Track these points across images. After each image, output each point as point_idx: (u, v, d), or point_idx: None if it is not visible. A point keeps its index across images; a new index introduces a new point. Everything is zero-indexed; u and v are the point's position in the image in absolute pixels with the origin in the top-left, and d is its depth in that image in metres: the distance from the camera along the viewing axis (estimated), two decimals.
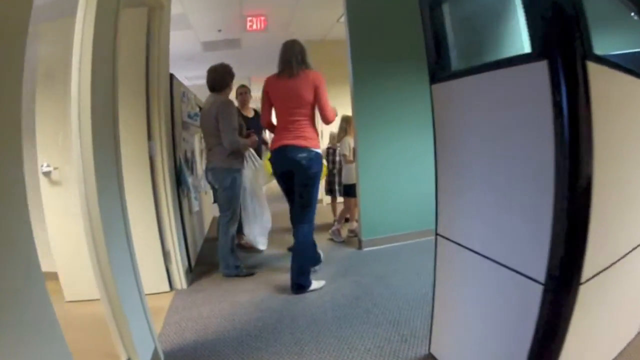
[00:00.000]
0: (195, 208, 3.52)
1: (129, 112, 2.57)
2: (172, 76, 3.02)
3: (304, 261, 2.78)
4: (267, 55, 6.66)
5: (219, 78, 3.05)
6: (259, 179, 3.67)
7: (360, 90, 3.53)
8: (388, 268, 3.15)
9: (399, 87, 3.67)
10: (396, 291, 2.67)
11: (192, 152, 3.82)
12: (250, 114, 4.06)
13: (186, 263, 3.12)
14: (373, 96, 3.59)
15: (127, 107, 2.53)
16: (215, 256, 3.34)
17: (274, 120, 2.85)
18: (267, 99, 2.78)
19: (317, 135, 2.80)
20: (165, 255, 2.85)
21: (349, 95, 3.65)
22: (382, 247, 3.71)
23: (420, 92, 3.63)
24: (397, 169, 3.74)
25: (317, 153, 2.71)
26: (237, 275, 3.14)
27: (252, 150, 3.46)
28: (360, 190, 3.65)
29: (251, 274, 3.17)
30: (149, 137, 2.72)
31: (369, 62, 3.55)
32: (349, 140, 4.00)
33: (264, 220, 3.75)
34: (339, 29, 5.38)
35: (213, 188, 3.22)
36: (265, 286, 2.94)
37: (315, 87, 2.63)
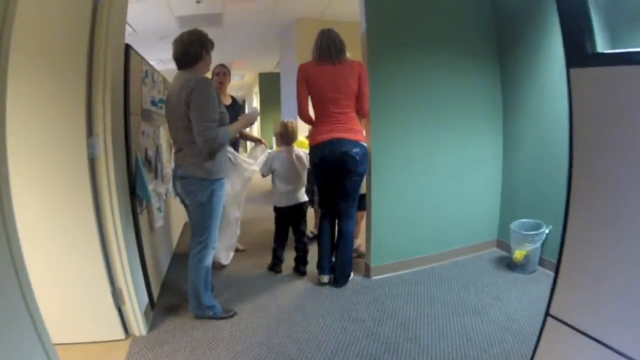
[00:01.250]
0: (159, 223, 2.74)
1: (60, 96, 1.86)
2: (128, 48, 2.25)
3: (350, 254, 2.86)
4: (252, 36, 5.90)
5: (190, 47, 2.14)
6: (235, 181, 3.06)
7: (376, 81, 2.79)
8: (410, 309, 2.47)
9: (425, 80, 2.98)
10: (431, 351, 1.97)
11: (158, 149, 3.04)
12: (228, 101, 3.34)
13: (146, 299, 2.39)
14: (392, 89, 2.88)
15: (56, 89, 1.85)
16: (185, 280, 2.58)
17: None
18: (305, 88, 2.58)
19: (362, 128, 2.69)
20: (116, 293, 2.09)
21: None
22: (394, 274, 3.03)
23: (452, 86, 3.01)
24: (417, 179, 3.06)
25: (365, 147, 2.66)
26: (213, 318, 2.39)
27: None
28: (372, 204, 2.93)
29: (230, 316, 2.43)
30: (90, 131, 1.94)
31: (389, 49, 2.84)
32: None
33: (229, 231, 3.19)
34: (338, 6, 4.67)
35: (182, 202, 2.35)
36: (248, 333, 2.24)
37: (359, 76, 2.54)
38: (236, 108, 3.41)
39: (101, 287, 2.07)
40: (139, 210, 2.38)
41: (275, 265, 3.14)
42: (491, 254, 3.23)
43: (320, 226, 2.90)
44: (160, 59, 6.71)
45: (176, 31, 5.36)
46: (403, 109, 2.92)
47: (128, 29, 4.65)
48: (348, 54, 2.60)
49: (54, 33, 1.84)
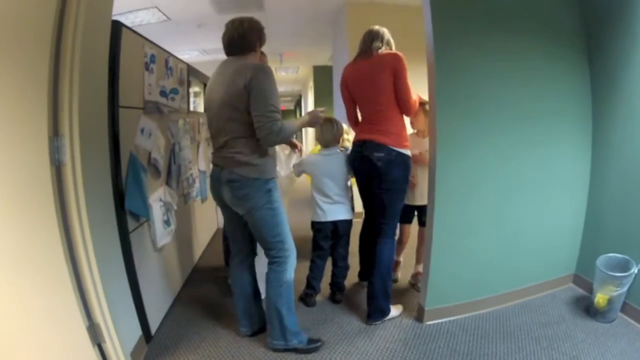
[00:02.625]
0: (163, 240, 2.29)
1: (16, 88, 1.42)
2: (118, 26, 1.80)
3: (385, 283, 2.34)
4: (299, 22, 5.33)
5: (249, 34, 1.88)
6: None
7: (443, 79, 2.16)
8: None
9: (501, 79, 2.31)
10: None
11: (174, 149, 2.60)
12: None
13: (136, 333, 1.97)
14: (461, 90, 2.22)
15: (10, 79, 1.41)
16: (206, 303, 2.33)
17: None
18: (346, 91, 2.44)
19: (402, 129, 2.31)
20: (93, 329, 1.66)
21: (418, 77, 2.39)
22: (453, 318, 2.38)
23: (532, 87, 2.41)
24: (489, 202, 2.39)
25: (399, 153, 2.24)
26: (297, 350, 2.04)
27: None
28: (433, 234, 2.29)
29: (317, 348, 2.09)
30: (55, 130, 1.49)
31: (457, 38, 2.19)
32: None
33: None
34: None
35: (229, 213, 1.99)
36: None
37: (393, 69, 2.20)
38: None
39: (75, 322, 1.63)
40: (131, 227, 1.94)
41: (307, 296, 2.61)
42: (567, 292, 2.63)
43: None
44: (204, 49, 6.38)
45: (214, 17, 5.00)
46: (474, 116, 2.26)
47: (160, 15, 4.31)
48: (384, 48, 2.28)
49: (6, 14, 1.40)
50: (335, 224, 2.52)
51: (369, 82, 2.26)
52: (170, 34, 4.86)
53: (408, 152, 2.29)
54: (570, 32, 2.48)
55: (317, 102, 9.21)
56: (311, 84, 9.91)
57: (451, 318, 2.37)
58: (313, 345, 2.05)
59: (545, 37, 2.39)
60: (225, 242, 2.81)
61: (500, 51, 2.27)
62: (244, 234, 2.05)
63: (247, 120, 1.77)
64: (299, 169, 2.57)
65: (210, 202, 3.96)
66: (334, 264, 2.63)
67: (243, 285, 2.13)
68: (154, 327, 2.19)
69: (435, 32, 2.11)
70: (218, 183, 1.89)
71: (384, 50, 2.27)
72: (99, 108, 1.68)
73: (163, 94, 2.29)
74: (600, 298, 2.24)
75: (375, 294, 2.34)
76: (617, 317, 2.27)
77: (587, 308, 2.37)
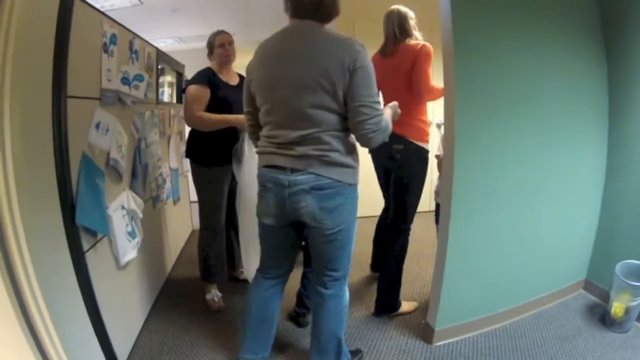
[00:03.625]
0: (128, 255, 1.95)
1: None
2: None
3: (394, 278, 2.36)
4: (280, 9, 4.94)
5: None
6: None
7: (462, 75, 1.88)
8: None
9: (520, 76, 2.06)
10: None
11: (139, 145, 2.25)
12: (235, 81, 2.48)
13: None
14: (479, 87, 1.95)
15: None
16: (182, 324, 2.13)
17: None
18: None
19: (423, 123, 2.23)
20: None
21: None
22: (464, 337, 2.18)
23: (551, 86, 2.16)
24: (507, 211, 2.17)
25: (418, 147, 2.19)
26: None
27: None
28: (447, 243, 2.02)
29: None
30: None
31: (484, 22, 1.92)
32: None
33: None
34: None
35: (278, 230, 1.64)
36: None
37: (414, 59, 2.16)
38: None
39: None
40: (87, 244, 1.59)
41: (300, 316, 2.34)
42: (579, 300, 2.52)
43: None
44: (180, 37, 5.91)
45: (191, 1, 4.67)
46: (497, 117, 2.02)
47: None
48: (416, 35, 2.24)
49: None
50: None
51: (392, 75, 2.22)
52: (143, 20, 4.39)
53: (427, 146, 2.25)
54: (588, 30, 2.28)
55: None
56: None
57: (462, 337, 2.18)
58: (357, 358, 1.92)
59: (566, 33, 2.18)
60: (204, 254, 2.48)
61: (523, 46, 2.03)
62: (291, 252, 1.76)
63: (340, 110, 1.43)
64: None
65: (184, 203, 3.61)
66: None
67: (270, 310, 1.78)
68: (123, 355, 1.87)
69: (454, 21, 1.82)
70: (285, 190, 1.48)
71: (410, 41, 2.21)
72: (40, 99, 1.32)
73: (125, 81, 1.93)
74: (617, 307, 2.15)
75: (383, 287, 2.37)
76: (633, 326, 2.19)
77: (602, 317, 2.28)
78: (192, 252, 3.36)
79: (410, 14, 2.25)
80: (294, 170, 1.46)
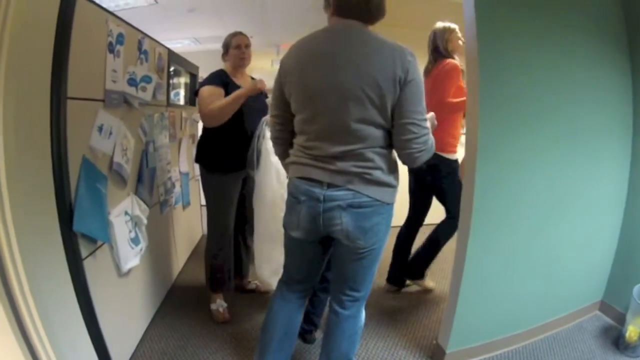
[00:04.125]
0: (130, 263, 1.89)
1: None
2: None
3: (434, 250, 2.69)
4: (299, 9, 4.91)
5: None
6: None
7: (490, 73, 1.77)
8: None
9: (564, 78, 1.97)
10: None
11: (147, 150, 2.21)
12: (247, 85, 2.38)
13: None
14: (512, 89, 1.85)
15: None
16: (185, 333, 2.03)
17: None
18: None
19: (447, 135, 2.33)
20: None
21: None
22: (484, 357, 2.09)
23: (579, 98, 2.05)
24: (530, 228, 2.07)
25: (443, 158, 2.35)
26: None
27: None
28: (464, 264, 1.92)
29: None
30: None
31: (510, 27, 1.82)
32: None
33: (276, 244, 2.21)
34: None
35: (308, 245, 1.54)
36: None
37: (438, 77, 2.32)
38: (261, 96, 2.49)
39: None
40: (86, 251, 1.54)
41: (307, 333, 2.21)
42: (593, 322, 2.43)
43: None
44: (196, 37, 5.91)
45: (207, 1, 4.64)
46: (522, 128, 1.91)
47: None
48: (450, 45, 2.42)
49: None
50: None
51: (430, 94, 2.09)
52: (158, 20, 4.42)
53: (453, 157, 2.41)
54: (613, 39, 2.15)
55: None
56: None
57: (480, 358, 2.06)
58: None
59: (590, 42, 2.06)
60: (210, 263, 2.42)
61: (547, 55, 1.91)
62: (318, 267, 1.65)
63: (387, 125, 1.33)
64: None
65: (194, 208, 3.56)
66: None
67: (294, 324, 1.69)
68: None
69: (479, 29, 1.72)
70: (320, 205, 1.37)
71: (439, 61, 2.39)
72: (37, 100, 1.27)
73: (132, 82, 1.88)
74: (632, 331, 2.08)
75: (421, 254, 2.70)
76: None
77: (615, 341, 2.21)
78: (201, 257, 3.27)
79: (448, 29, 2.39)
80: (330, 185, 1.35)
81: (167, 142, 2.66)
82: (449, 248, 2.55)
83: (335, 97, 1.29)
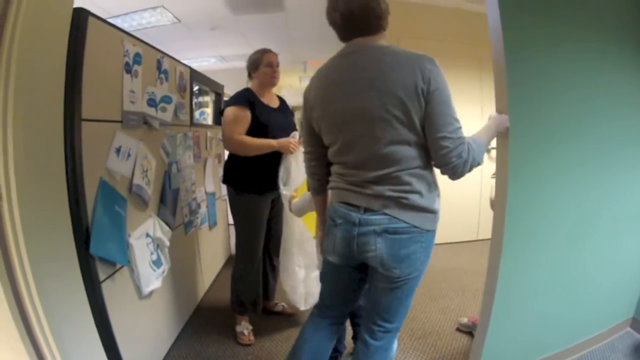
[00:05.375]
0: (151, 286, 1.87)
1: None
2: (84, 14, 1.41)
3: None
4: (323, 25, 4.87)
5: (372, 2, 1.26)
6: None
7: (518, 84, 1.66)
8: None
9: (593, 84, 1.86)
10: None
11: (170, 172, 2.21)
12: (275, 104, 2.38)
13: None
14: (541, 95, 1.74)
15: None
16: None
17: None
18: None
19: None
20: None
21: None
22: None
23: (620, 95, 1.95)
24: (561, 246, 1.96)
25: None
26: None
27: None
28: (496, 288, 1.80)
29: None
30: None
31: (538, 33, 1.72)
32: None
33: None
34: None
35: (342, 270, 1.50)
36: None
37: None
38: (287, 113, 2.47)
39: None
40: (104, 274, 1.52)
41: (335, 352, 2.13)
42: (625, 340, 2.33)
43: None
44: (222, 56, 6.02)
45: (229, 18, 4.61)
46: (552, 139, 1.81)
47: (170, 17, 3.98)
48: None
49: None
50: None
51: None
52: (181, 38, 4.54)
53: None
54: (633, 43, 1.99)
55: None
56: None
57: None
58: None
59: (616, 45, 1.93)
60: (236, 287, 2.39)
61: (574, 58, 1.80)
62: (354, 295, 1.59)
63: (421, 141, 1.26)
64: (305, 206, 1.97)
65: (221, 228, 3.55)
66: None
67: (324, 351, 1.61)
68: None
69: (505, 34, 1.62)
70: (355, 229, 1.32)
71: None
72: (51, 122, 1.27)
73: (152, 103, 1.89)
74: None
75: None
76: None
77: None
78: (227, 277, 3.26)
79: None
80: (367, 210, 1.30)
81: (192, 162, 2.66)
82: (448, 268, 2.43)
83: (361, 124, 1.25)
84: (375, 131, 1.23)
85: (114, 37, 1.64)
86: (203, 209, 2.97)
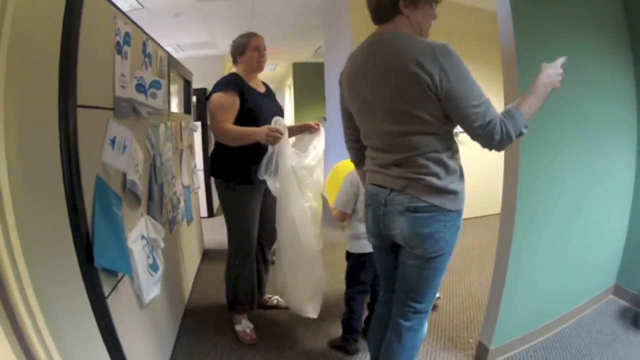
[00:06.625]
0: (151, 293, 1.62)
1: None
2: None
3: None
4: (288, 14, 4.66)
5: None
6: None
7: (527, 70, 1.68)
8: None
9: (580, 71, 1.91)
10: None
11: (154, 165, 1.93)
12: (262, 89, 2.19)
13: None
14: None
15: None
16: None
17: None
18: None
19: None
20: None
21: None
22: (516, 352, 2.03)
23: (603, 81, 2.08)
24: (559, 221, 2.07)
25: None
26: None
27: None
28: (509, 261, 1.84)
29: None
30: None
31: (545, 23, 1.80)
32: None
33: (313, 269, 2.03)
34: None
35: (384, 251, 1.51)
36: None
37: None
38: (274, 98, 2.27)
39: None
40: (108, 287, 1.27)
41: (349, 342, 2.03)
42: (610, 305, 2.47)
43: None
44: (179, 44, 5.58)
45: (193, 5, 4.27)
46: (557, 118, 1.89)
47: (133, 2, 3.58)
48: None
49: None
50: None
51: None
52: (143, 25, 4.12)
53: None
54: (615, 34, 2.17)
55: (297, 101, 8.58)
56: (290, 82, 9.20)
57: (515, 352, 2.03)
58: None
59: (597, 39, 2.07)
60: (233, 284, 2.17)
61: (570, 49, 1.84)
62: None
63: (435, 129, 1.24)
64: (350, 199, 1.92)
65: (196, 222, 3.28)
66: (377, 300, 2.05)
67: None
68: None
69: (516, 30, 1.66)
70: (382, 209, 1.36)
71: None
72: (45, 108, 1.00)
73: (140, 88, 1.61)
74: None
75: None
76: None
77: (634, 320, 2.27)
78: (207, 275, 3.04)
79: None
80: (393, 190, 1.33)
81: (171, 154, 2.38)
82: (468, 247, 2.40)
83: (380, 113, 1.29)
84: (390, 121, 1.27)
85: (107, 12, 1.35)
86: (182, 204, 2.70)
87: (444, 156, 1.27)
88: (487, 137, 1.17)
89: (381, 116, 1.29)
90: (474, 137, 1.20)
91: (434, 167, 1.25)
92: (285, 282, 2.01)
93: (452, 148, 1.30)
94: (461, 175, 1.32)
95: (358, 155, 1.56)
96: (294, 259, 1.97)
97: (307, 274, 1.98)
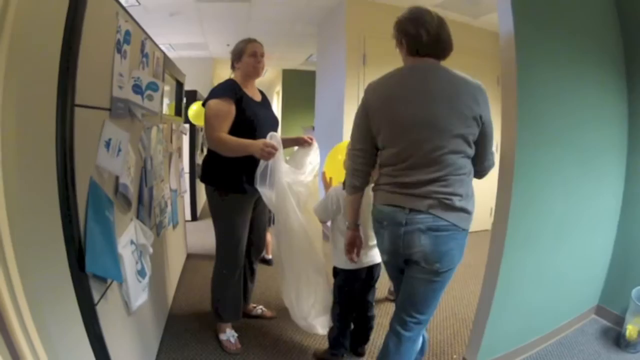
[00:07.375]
0: (140, 299, 1.55)
1: None
2: None
3: None
4: (284, 21, 4.59)
5: (443, 32, 1.41)
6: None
7: (527, 91, 1.75)
8: None
9: (580, 98, 2.03)
10: None
11: (145, 168, 1.86)
12: (258, 97, 2.13)
13: None
14: (543, 107, 1.84)
15: None
16: None
17: None
18: None
19: None
20: None
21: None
22: None
23: (598, 107, 2.12)
24: (551, 237, 2.09)
25: None
26: None
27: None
28: (498, 278, 1.84)
29: None
30: None
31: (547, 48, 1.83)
32: None
33: (320, 285, 1.99)
34: None
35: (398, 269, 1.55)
36: None
37: None
38: (270, 108, 2.23)
39: None
40: (98, 294, 1.20)
41: (336, 357, 1.98)
42: (593, 325, 2.47)
43: None
44: (171, 44, 5.45)
45: (191, 5, 4.17)
46: (550, 144, 1.92)
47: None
48: None
49: None
50: (371, 268, 1.90)
51: None
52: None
53: None
54: (612, 62, 2.22)
55: (285, 108, 8.51)
56: (278, 88, 9.12)
57: None
58: None
59: (594, 65, 2.10)
60: (219, 293, 2.10)
61: (571, 77, 1.98)
62: None
63: (470, 154, 1.41)
64: (328, 208, 1.89)
65: (181, 226, 3.19)
66: (364, 313, 2.01)
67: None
68: None
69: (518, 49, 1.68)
70: (401, 229, 1.39)
71: None
72: (43, 107, 0.94)
73: (137, 89, 1.54)
74: (631, 330, 2.16)
75: None
76: None
77: (616, 340, 2.27)
78: (190, 281, 2.95)
79: None
80: (413, 210, 1.37)
81: (162, 158, 2.30)
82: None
83: (429, 130, 1.34)
84: (440, 139, 1.33)
85: (111, 8, 1.29)
86: (169, 208, 2.62)
87: (468, 179, 1.40)
88: (494, 163, 1.52)
89: (432, 133, 1.33)
90: (488, 163, 1.48)
91: (459, 189, 1.35)
92: (292, 300, 1.94)
93: (472, 172, 1.44)
94: (474, 198, 1.43)
95: (365, 179, 1.56)
96: (299, 277, 1.92)
97: (313, 291, 1.94)
